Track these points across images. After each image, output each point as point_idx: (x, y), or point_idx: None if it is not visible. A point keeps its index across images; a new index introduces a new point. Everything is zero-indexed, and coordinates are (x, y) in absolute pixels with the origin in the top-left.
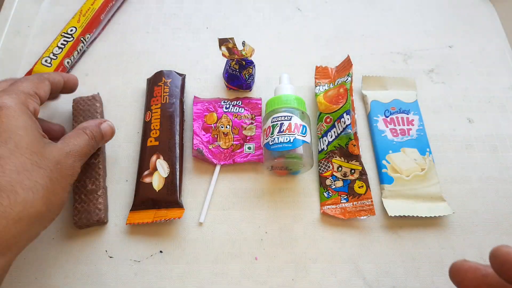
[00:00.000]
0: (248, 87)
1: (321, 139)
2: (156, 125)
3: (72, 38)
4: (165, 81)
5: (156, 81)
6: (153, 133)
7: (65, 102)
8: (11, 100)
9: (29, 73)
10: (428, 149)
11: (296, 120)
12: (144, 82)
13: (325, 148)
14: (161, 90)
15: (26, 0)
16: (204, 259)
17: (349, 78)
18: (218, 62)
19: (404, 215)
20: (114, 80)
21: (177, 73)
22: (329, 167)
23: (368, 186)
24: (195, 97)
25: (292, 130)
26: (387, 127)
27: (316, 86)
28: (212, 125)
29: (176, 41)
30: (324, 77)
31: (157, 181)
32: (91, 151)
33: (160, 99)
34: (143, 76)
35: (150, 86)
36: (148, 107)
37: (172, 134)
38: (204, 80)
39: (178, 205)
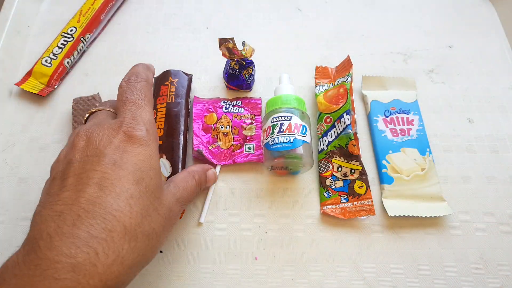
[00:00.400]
0: (248, 87)
1: (321, 139)
2: (161, 124)
3: (72, 38)
4: (171, 81)
5: (163, 80)
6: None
7: (65, 102)
8: (150, 136)
9: (29, 73)
10: (428, 149)
11: (296, 120)
12: None
13: (325, 148)
14: (168, 89)
15: (26, 0)
16: (204, 259)
17: (349, 78)
18: (218, 62)
19: (404, 215)
20: (114, 80)
21: (184, 73)
22: (329, 167)
23: (368, 186)
24: (195, 97)
25: (292, 130)
26: (387, 127)
27: (316, 86)
28: (212, 125)
29: (176, 41)
30: (324, 77)
31: None
32: (194, 198)
33: (166, 98)
34: None
35: (156, 85)
36: (153, 106)
37: (176, 133)
38: (204, 80)
39: None
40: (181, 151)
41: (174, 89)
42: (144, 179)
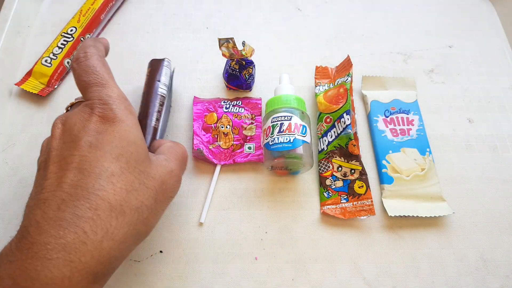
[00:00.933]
0: (248, 87)
1: (321, 139)
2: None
3: (72, 38)
4: (146, 73)
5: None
6: None
7: (65, 102)
8: (122, 112)
9: (29, 73)
10: (428, 149)
11: (296, 120)
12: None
13: (325, 148)
14: (144, 82)
15: (26, 0)
16: (204, 259)
17: (349, 78)
18: (218, 62)
19: (404, 215)
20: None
21: (156, 59)
22: (329, 167)
23: (368, 186)
24: (195, 97)
25: (292, 130)
26: (387, 127)
27: (316, 86)
28: (212, 125)
29: (176, 41)
30: (324, 77)
31: None
32: (186, 165)
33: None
34: (143, 76)
35: None
36: None
37: (144, 115)
38: (204, 80)
39: None
40: (150, 132)
41: (146, 79)
42: (123, 155)
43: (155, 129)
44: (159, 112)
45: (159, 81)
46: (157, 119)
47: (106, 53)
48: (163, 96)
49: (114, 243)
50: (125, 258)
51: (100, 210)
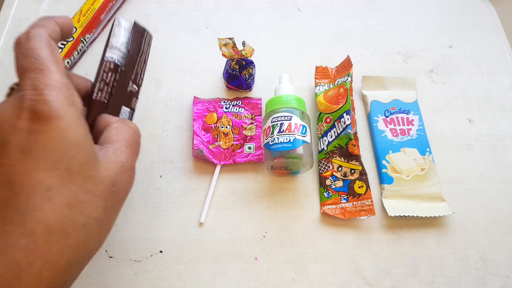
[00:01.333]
0: (248, 87)
1: (321, 139)
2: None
3: (72, 38)
4: None
5: None
6: None
7: None
8: (60, 104)
9: None
10: (428, 149)
11: (296, 120)
12: (144, 82)
13: (325, 148)
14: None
15: (26, 0)
16: (204, 259)
17: (349, 78)
18: (218, 62)
19: (404, 215)
20: None
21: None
22: (329, 167)
23: (368, 186)
24: (195, 97)
25: (292, 130)
26: (387, 127)
27: (316, 86)
28: (212, 125)
29: (176, 41)
30: (324, 77)
31: None
32: (137, 155)
33: None
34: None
35: None
36: None
37: (91, 90)
38: (204, 80)
39: None
40: (94, 111)
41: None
42: (62, 161)
43: (101, 104)
44: (108, 83)
45: (107, 45)
46: (101, 90)
47: (66, 34)
48: (112, 62)
49: (56, 271)
50: (74, 281)
51: (36, 235)
